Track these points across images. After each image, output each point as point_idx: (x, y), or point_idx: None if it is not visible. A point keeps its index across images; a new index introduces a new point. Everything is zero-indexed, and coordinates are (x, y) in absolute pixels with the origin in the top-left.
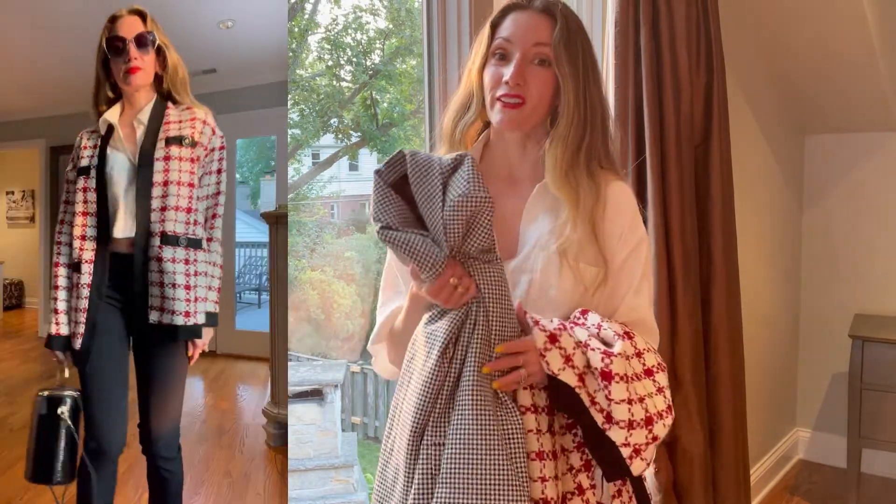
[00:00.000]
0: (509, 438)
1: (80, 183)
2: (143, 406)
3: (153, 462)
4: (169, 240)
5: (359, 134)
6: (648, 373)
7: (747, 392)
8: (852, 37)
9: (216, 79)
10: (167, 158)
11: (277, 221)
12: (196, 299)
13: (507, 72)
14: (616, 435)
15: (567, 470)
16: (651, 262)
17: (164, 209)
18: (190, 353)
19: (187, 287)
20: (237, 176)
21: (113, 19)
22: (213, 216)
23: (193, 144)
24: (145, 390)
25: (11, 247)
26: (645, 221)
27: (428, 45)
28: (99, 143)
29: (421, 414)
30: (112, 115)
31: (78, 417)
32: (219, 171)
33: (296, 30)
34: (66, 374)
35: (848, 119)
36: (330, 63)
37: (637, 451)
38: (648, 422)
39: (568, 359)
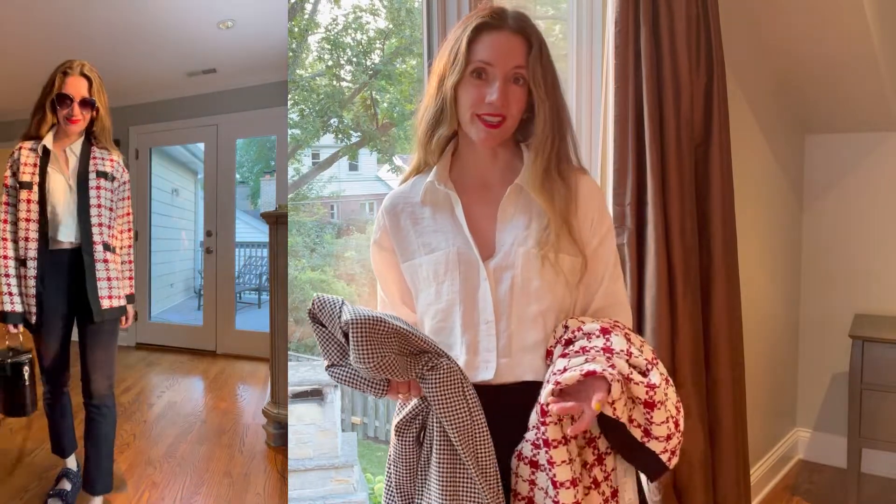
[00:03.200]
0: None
1: (24, 195)
2: (85, 368)
3: (89, 410)
4: (108, 247)
5: (359, 134)
6: (666, 381)
7: (747, 392)
8: (852, 37)
9: (216, 79)
10: (98, 188)
11: (277, 221)
12: (120, 288)
13: (490, 92)
14: (655, 446)
15: (581, 466)
16: (652, 262)
17: (100, 225)
18: (125, 325)
19: (118, 279)
20: (237, 176)
21: (65, 73)
22: (129, 230)
23: (112, 179)
24: (92, 357)
25: None
26: (645, 222)
27: (428, 45)
28: (38, 163)
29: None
30: (49, 141)
31: (33, 370)
32: (127, 198)
33: (296, 30)
34: (21, 339)
35: (848, 119)
36: (330, 63)
37: (673, 452)
38: (676, 426)
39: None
